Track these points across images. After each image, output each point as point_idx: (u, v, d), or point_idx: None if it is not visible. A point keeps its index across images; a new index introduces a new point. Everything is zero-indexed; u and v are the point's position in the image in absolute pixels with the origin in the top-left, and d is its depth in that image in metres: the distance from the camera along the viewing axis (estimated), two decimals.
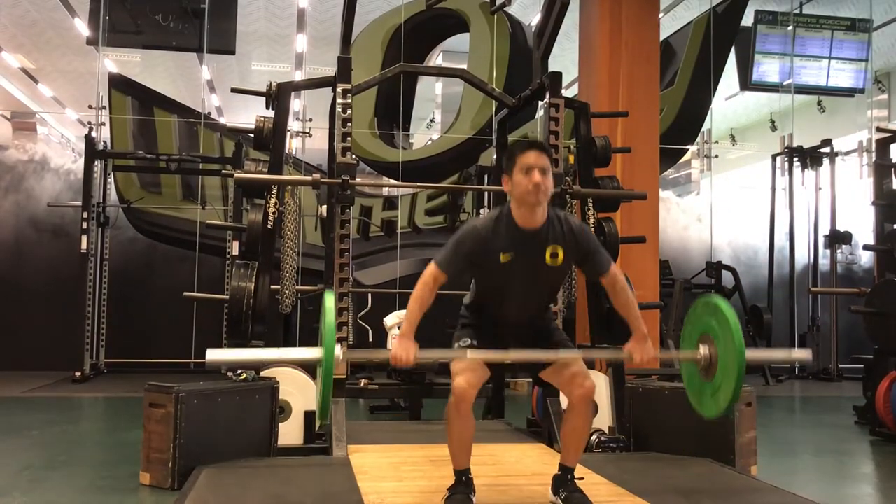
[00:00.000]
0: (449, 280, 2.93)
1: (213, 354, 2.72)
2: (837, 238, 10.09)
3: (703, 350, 2.98)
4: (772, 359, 3.02)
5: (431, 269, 2.93)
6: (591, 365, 4.71)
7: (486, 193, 7.92)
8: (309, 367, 5.52)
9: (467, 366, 2.87)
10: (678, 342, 8.35)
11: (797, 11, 11.17)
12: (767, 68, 11.15)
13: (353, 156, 4.43)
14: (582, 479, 3.08)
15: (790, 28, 11.04)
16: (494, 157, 5.75)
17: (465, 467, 2.98)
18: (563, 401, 3.87)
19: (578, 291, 5.10)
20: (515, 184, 2.86)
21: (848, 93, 11.54)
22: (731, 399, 2.85)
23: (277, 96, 4.63)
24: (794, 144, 10.55)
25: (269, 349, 3.39)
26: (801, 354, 2.88)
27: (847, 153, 11.57)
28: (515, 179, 2.86)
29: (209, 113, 11.31)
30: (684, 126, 9.70)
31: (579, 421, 2.99)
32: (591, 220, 4.83)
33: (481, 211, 8.20)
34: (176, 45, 9.86)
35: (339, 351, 2.72)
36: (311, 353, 2.77)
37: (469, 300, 3.12)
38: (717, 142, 11.76)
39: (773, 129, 12.70)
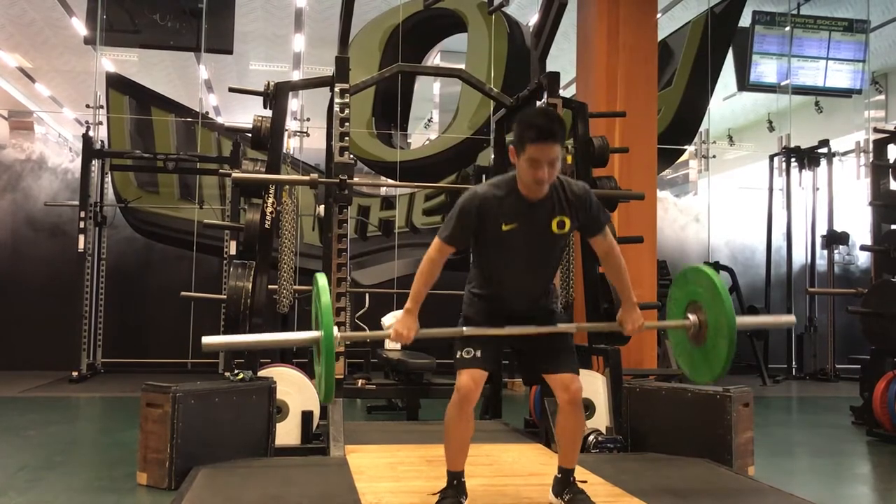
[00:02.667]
0: (457, 249, 2.92)
1: (209, 339, 2.74)
2: (835, 238, 10.10)
3: (693, 317, 3.03)
4: (759, 323, 3.15)
5: (437, 243, 2.90)
6: (588, 365, 4.72)
7: None
8: (306, 368, 5.52)
9: (471, 371, 2.87)
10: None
11: (795, 12, 11.19)
12: (765, 69, 11.16)
13: (351, 155, 4.43)
14: (585, 482, 3.08)
15: (788, 29, 11.06)
16: (492, 157, 5.76)
17: (460, 470, 2.97)
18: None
19: (576, 291, 5.11)
20: (520, 169, 2.80)
21: (845, 93, 11.55)
22: (724, 362, 2.91)
23: (275, 96, 4.63)
24: (792, 145, 10.56)
25: (265, 334, 3.37)
26: (787, 319, 2.99)
27: (844, 154, 11.58)
28: (521, 165, 2.79)
29: (207, 112, 11.30)
30: (682, 126, 9.71)
31: (570, 422, 2.98)
32: None
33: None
34: (173, 45, 9.85)
35: (337, 332, 2.71)
36: (310, 334, 2.78)
37: (469, 288, 3.08)
38: (714, 142, 11.76)
39: (771, 129, 12.70)
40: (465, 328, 2.92)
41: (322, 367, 2.66)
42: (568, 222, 2.88)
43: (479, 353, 2.90)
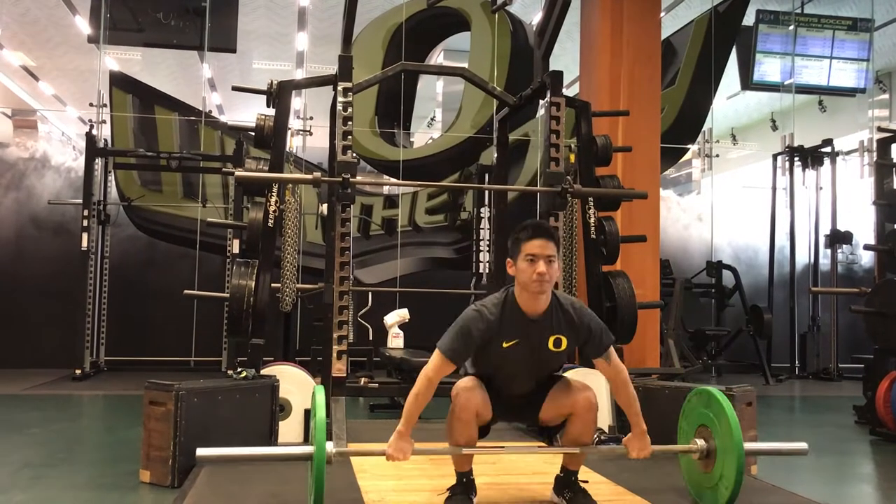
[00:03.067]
0: (457, 368, 2.93)
1: (203, 452, 2.77)
2: (838, 238, 10.08)
3: (701, 442, 3.04)
4: (770, 450, 3.11)
5: (437, 360, 2.85)
6: (590, 364, 4.71)
7: (486, 192, 7.93)
8: (309, 366, 5.53)
9: (467, 380, 2.88)
10: (677, 342, 8.40)
11: (798, 11, 11.17)
12: (768, 68, 11.15)
13: (354, 154, 4.43)
14: (587, 482, 3.07)
15: (791, 27, 11.04)
16: (495, 155, 5.76)
17: (467, 470, 2.98)
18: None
19: (579, 290, 5.11)
20: (519, 270, 2.82)
21: (849, 92, 11.53)
22: (731, 493, 2.88)
23: (278, 94, 4.64)
24: (795, 144, 10.54)
25: (259, 448, 3.36)
26: (798, 446, 2.94)
27: (848, 153, 11.56)
28: (519, 266, 2.82)
29: (210, 111, 11.29)
30: (685, 125, 9.70)
31: (581, 427, 2.94)
32: (592, 219, 4.83)
33: (481, 210, 8.21)
34: (177, 43, 9.85)
35: (330, 448, 2.72)
36: (303, 449, 2.78)
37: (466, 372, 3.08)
38: (717, 141, 11.75)
39: (774, 128, 12.70)
40: (463, 449, 2.89)
41: (312, 482, 2.65)
42: (565, 341, 2.90)
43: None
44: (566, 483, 3.01)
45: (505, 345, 2.86)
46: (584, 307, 2.98)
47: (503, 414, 3.03)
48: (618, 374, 2.95)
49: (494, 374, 2.96)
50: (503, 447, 4.00)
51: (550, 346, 2.88)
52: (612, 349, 2.95)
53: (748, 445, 2.91)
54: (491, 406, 2.91)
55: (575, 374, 3.49)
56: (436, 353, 2.87)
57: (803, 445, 3.12)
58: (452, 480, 3.00)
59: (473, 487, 2.98)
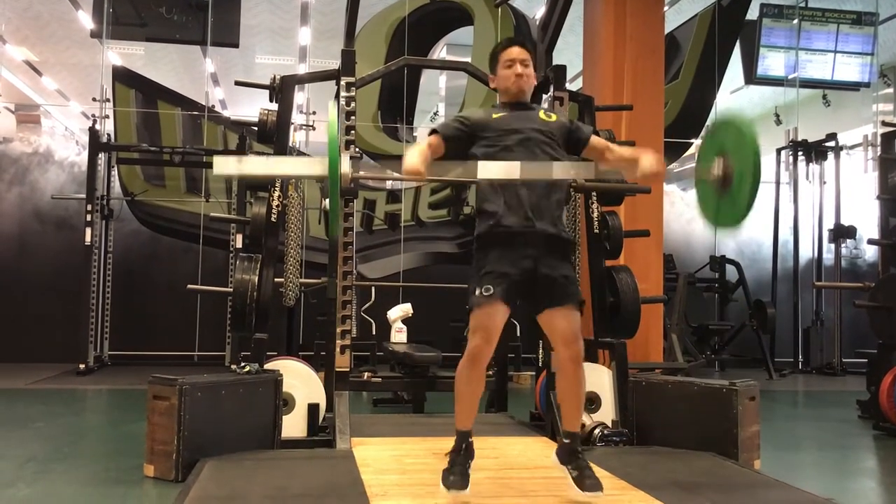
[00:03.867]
0: (446, 145, 2.99)
1: (220, 163, 2.89)
2: (842, 232, 10.07)
3: (718, 165, 3.21)
4: None
5: (427, 136, 3.03)
6: (594, 359, 4.71)
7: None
8: (312, 361, 5.53)
9: (485, 319, 2.87)
10: (681, 337, 8.38)
11: (803, 5, 11.13)
12: (772, 62, 11.11)
13: (357, 149, 4.42)
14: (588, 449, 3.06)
15: (795, 21, 10.99)
16: None
17: (468, 429, 2.99)
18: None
19: (582, 285, 5.10)
20: (499, 77, 3.11)
21: (853, 87, 11.49)
22: (748, 200, 3.08)
23: (281, 89, 4.63)
24: (799, 138, 10.52)
25: (277, 160, 3.52)
26: None
27: (852, 147, 11.53)
28: (499, 74, 3.11)
29: (213, 106, 11.32)
30: (689, 120, 9.67)
31: (569, 383, 3.00)
32: (595, 214, 4.82)
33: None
34: (180, 38, 9.84)
35: (346, 167, 2.80)
36: (319, 163, 2.93)
37: (479, 228, 3.05)
38: None
39: (778, 123, 12.64)
40: (478, 164, 2.94)
41: (330, 203, 2.76)
42: (554, 115, 3.11)
43: (494, 289, 2.89)
44: (571, 453, 3.00)
45: (495, 115, 3.05)
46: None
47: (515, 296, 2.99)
48: (607, 146, 3.17)
49: (496, 151, 2.98)
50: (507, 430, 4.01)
51: (541, 115, 3.08)
52: (592, 135, 3.16)
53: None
54: (505, 311, 2.91)
55: None
56: (426, 139, 3.01)
57: None
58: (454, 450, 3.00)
59: (472, 452, 2.99)
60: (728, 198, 3.19)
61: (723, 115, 3.28)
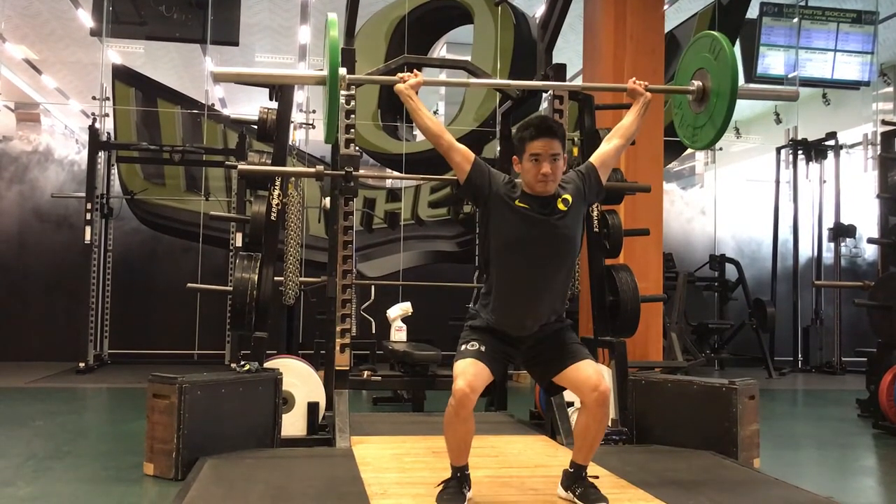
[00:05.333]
0: (466, 164, 2.99)
1: (219, 70, 2.95)
2: (841, 231, 10.06)
3: (697, 83, 3.31)
4: (761, 92, 3.60)
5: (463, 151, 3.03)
6: (594, 358, 4.71)
7: None
8: (312, 359, 5.53)
9: (470, 367, 2.84)
10: (680, 335, 8.36)
11: (803, 3, 11.12)
12: (772, 61, 11.09)
13: (357, 147, 4.43)
14: (597, 477, 3.05)
15: (795, 20, 10.99)
16: (498, 149, 5.74)
17: (463, 464, 2.96)
18: (567, 394, 3.87)
19: (582, 284, 5.10)
20: (524, 170, 2.89)
21: (853, 85, 11.47)
22: (717, 131, 3.17)
23: (281, 88, 4.63)
24: (799, 137, 10.52)
25: (276, 69, 3.58)
26: (788, 90, 3.41)
27: (852, 146, 11.52)
28: (525, 166, 2.89)
29: (213, 104, 11.30)
30: None
31: (593, 423, 2.93)
32: (595, 213, 4.83)
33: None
34: (179, 37, 9.83)
35: (343, 71, 2.88)
36: (316, 72, 3.02)
37: (478, 307, 3.05)
38: None
39: (778, 121, 12.64)
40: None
41: (326, 105, 2.77)
42: (570, 197, 2.95)
43: (483, 348, 2.89)
44: (576, 478, 3.00)
45: (518, 203, 2.90)
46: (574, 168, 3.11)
47: (505, 365, 3.06)
48: (611, 139, 3.16)
49: (510, 244, 2.92)
50: (507, 430, 4.02)
51: (559, 205, 2.92)
52: (594, 157, 3.11)
53: (741, 88, 3.19)
54: (490, 371, 2.88)
55: None
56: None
57: (793, 90, 3.60)
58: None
59: (468, 482, 2.96)
60: (705, 114, 3.26)
61: (708, 32, 3.28)
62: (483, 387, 2.87)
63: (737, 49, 10.35)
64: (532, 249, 2.90)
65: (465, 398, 2.78)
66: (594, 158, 3.11)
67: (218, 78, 2.84)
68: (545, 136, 2.84)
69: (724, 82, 3.13)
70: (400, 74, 3.16)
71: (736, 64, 3.12)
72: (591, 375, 2.90)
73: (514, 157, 2.96)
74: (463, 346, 2.93)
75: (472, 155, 2.98)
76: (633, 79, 3.27)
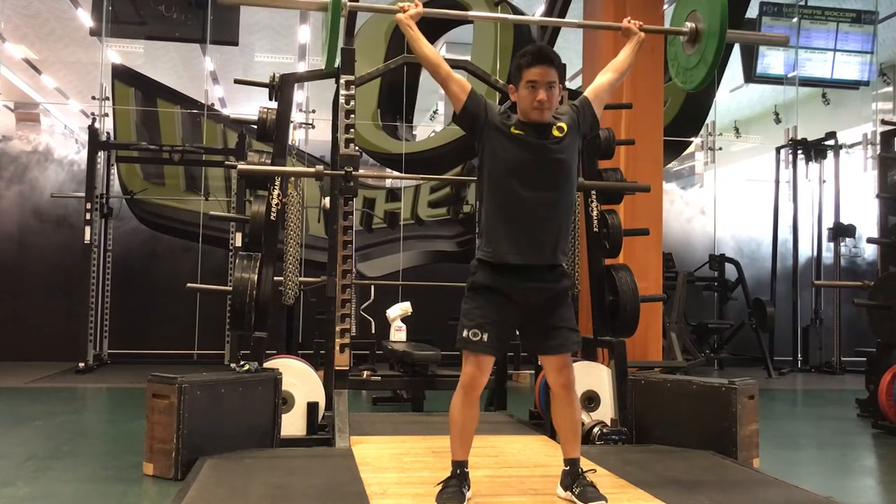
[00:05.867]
0: (463, 94, 2.98)
1: None
2: (841, 231, 10.07)
3: (690, 24, 3.50)
4: (752, 38, 3.83)
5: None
6: (593, 357, 4.72)
7: None
8: (311, 359, 5.53)
9: (478, 359, 2.88)
10: (680, 335, 8.36)
11: (802, 3, 11.13)
12: (772, 60, 11.11)
13: (357, 147, 4.42)
14: (594, 471, 3.08)
15: (795, 20, 10.99)
16: None
17: (464, 459, 2.97)
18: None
19: (581, 284, 5.10)
20: (521, 98, 2.92)
21: (853, 85, 11.49)
22: (707, 71, 3.36)
23: (280, 87, 4.63)
24: (799, 137, 10.51)
25: None
26: (778, 36, 3.58)
27: (851, 146, 11.53)
28: (521, 94, 2.91)
29: (212, 104, 11.30)
30: (688, 118, 9.66)
31: (564, 408, 3.00)
32: (595, 212, 4.83)
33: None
34: (179, 36, 9.84)
35: None
36: None
37: (479, 251, 3.03)
38: (720, 134, 11.73)
39: (778, 121, 12.65)
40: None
41: (327, 30, 2.80)
42: (565, 126, 2.97)
43: (485, 337, 2.88)
44: (573, 476, 3.01)
45: (513, 129, 2.92)
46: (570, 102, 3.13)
47: (508, 336, 3.05)
48: (605, 73, 3.24)
49: (507, 170, 2.92)
50: (507, 428, 4.02)
51: (554, 132, 2.94)
52: (588, 91, 3.15)
53: (731, 32, 3.38)
54: (495, 352, 2.92)
55: (579, 368, 3.48)
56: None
57: (783, 36, 3.81)
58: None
59: (467, 480, 2.97)
60: (696, 54, 3.42)
61: None
62: (490, 368, 2.95)
63: (736, 49, 10.37)
64: (529, 174, 2.91)
65: (476, 380, 2.86)
66: (588, 92, 3.17)
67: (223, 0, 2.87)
68: (542, 64, 2.88)
69: (714, 21, 3.34)
70: (400, 4, 3.21)
71: (726, 3, 3.32)
72: (557, 364, 2.97)
73: (511, 85, 2.99)
74: (465, 333, 2.90)
75: (468, 85, 3.02)
76: (628, 18, 3.43)
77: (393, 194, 9.53)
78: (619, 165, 5.45)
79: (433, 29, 10.19)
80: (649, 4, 6.46)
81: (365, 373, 5.41)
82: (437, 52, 3.08)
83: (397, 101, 9.68)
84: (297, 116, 9.89)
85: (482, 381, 2.88)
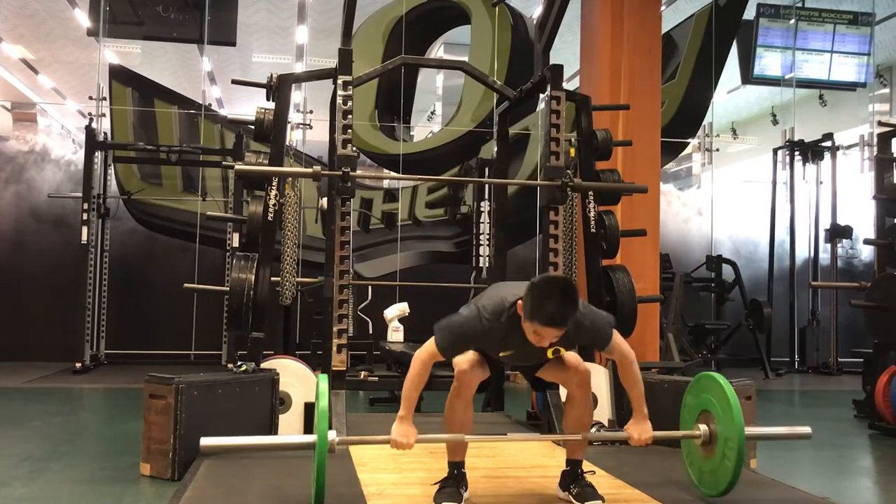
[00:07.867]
0: (438, 357, 2.89)
1: (207, 441, 2.78)
2: (838, 232, 10.09)
3: (703, 427, 3.06)
4: (772, 434, 3.12)
5: (430, 348, 2.85)
6: (591, 359, 4.71)
7: (486, 186, 7.92)
8: (309, 360, 5.53)
9: (469, 358, 2.90)
10: (677, 336, 8.37)
11: (799, 5, 11.15)
12: (769, 62, 11.13)
13: (354, 148, 4.42)
14: (593, 472, 3.08)
15: (792, 21, 11.01)
16: (495, 149, 5.74)
17: (460, 460, 2.97)
18: (563, 393, 3.87)
19: (579, 285, 5.10)
20: (526, 327, 2.73)
21: (850, 87, 11.52)
22: (730, 479, 2.92)
23: (278, 88, 4.63)
24: (796, 138, 10.54)
25: (262, 437, 3.43)
26: (801, 430, 2.93)
27: (848, 147, 11.56)
28: (526, 326, 2.73)
29: (210, 104, 11.28)
30: (685, 119, 9.69)
31: (579, 411, 2.99)
32: (592, 213, 4.83)
33: (481, 204, 8.20)
34: (176, 37, 9.84)
35: (332, 435, 2.71)
36: (306, 438, 2.80)
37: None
38: (718, 135, 11.74)
39: (775, 122, 12.68)
40: (465, 437, 2.90)
41: (314, 471, 2.67)
42: (563, 350, 2.93)
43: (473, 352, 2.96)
44: (573, 477, 3.01)
45: (502, 354, 2.92)
46: (582, 313, 2.80)
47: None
48: (623, 357, 2.95)
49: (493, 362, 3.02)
50: (505, 435, 4.03)
51: (549, 355, 2.93)
52: (615, 335, 2.91)
53: (749, 430, 2.94)
54: (489, 368, 2.98)
55: None
56: (431, 342, 2.87)
57: (806, 430, 3.12)
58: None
59: (464, 481, 2.98)
60: (710, 465, 3.02)
61: (708, 374, 2.94)
62: (482, 376, 2.93)
63: (733, 50, 10.39)
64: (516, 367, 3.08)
65: (468, 377, 2.86)
66: (610, 346, 2.92)
67: (204, 450, 2.75)
68: (555, 327, 2.68)
69: (730, 428, 2.92)
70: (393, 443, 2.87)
71: (739, 409, 2.90)
72: (570, 363, 2.97)
73: (520, 302, 2.75)
74: (449, 342, 2.92)
75: (440, 357, 2.87)
76: (637, 436, 2.98)
77: (390, 195, 9.54)
78: (616, 166, 5.46)
79: (431, 31, 10.22)
80: (647, 6, 6.46)
81: (362, 373, 5.40)
82: (425, 366, 2.87)
83: (395, 101, 9.69)
84: (294, 117, 9.89)
85: (474, 378, 2.88)
